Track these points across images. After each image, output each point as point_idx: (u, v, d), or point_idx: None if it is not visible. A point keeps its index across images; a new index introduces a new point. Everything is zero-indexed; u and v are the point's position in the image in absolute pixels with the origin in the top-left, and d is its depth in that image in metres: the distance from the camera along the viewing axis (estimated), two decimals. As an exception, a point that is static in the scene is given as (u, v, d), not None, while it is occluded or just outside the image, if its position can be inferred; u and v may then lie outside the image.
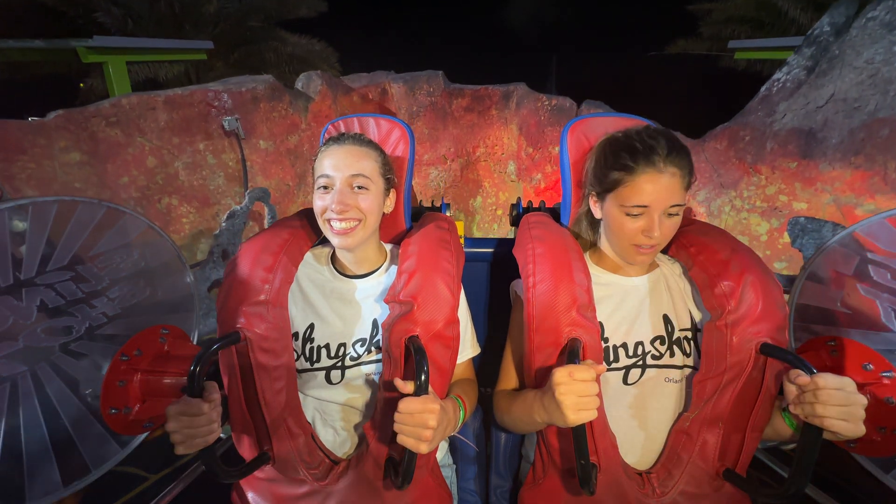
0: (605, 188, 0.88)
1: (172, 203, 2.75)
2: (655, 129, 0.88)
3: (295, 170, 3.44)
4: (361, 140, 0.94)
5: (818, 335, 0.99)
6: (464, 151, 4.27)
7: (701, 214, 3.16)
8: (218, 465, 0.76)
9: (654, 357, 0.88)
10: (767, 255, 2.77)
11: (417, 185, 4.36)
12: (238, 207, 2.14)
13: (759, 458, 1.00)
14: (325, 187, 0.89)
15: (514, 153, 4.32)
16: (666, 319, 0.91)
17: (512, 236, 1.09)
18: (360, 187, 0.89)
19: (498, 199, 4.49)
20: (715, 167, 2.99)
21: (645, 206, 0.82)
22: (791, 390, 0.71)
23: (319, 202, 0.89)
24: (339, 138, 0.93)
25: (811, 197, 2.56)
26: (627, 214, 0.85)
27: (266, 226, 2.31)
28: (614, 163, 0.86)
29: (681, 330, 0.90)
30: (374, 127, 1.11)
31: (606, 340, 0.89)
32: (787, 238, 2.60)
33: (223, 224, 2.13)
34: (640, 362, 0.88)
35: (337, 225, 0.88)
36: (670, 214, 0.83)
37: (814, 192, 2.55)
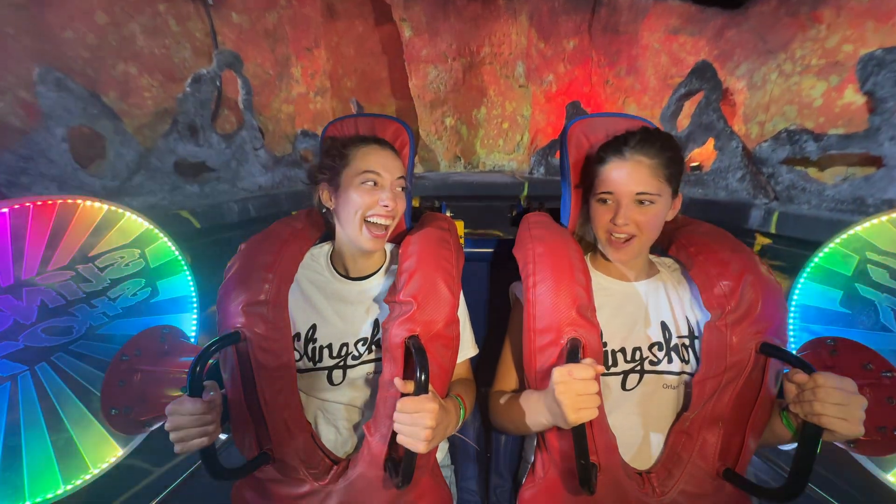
0: (588, 184, 0.93)
1: (130, 72, 2.29)
2: (643, 128, 0.91)
3: (275, 56, 2.92)
4: (393, 146, 0.99)
5: (818, 335, 0.99)
6: (466, 50, 3.75)
7: (740, 90, 2.82)
8: (218, 465, 0.76)
9: (651, 363, 0.88)
10: (821, 122, 2.42)
11: (415, 87, 3.81)
12: (204, 71, 1.84)
13: (759, 458, 1.00)
14: (375, 183, 0.91)
15: (523, 51, 3.78)
16: (664, 326, 0.90)
17: (512, 236, 1.09)
18: (402, 189, 0.95)
19: (504, 109, 3.99)
20: (760, 34, 2.63)
21: (609, 193, 0.86)
22: (791, 389, 0.71)
23: (365, 197, 0.90)
24: (379, 140, 0.97)
25: (886, 36, 2.17)
26: (597, 202, 0.89)
27: (240, 103, 2.02)
28: (595, 157, 0.92)
29: (679, 337, 0.90)
30: (375, 127, 1.11)
31: (605, 345, 0.88)
32: (847, 97, 2.29)
33: (187, 89, 1.84)
34: (639, 367, 0.88)
35: (381, 221, 0.91)
36: (640, 202, 0.85)
37: (891, 27, 2.16)
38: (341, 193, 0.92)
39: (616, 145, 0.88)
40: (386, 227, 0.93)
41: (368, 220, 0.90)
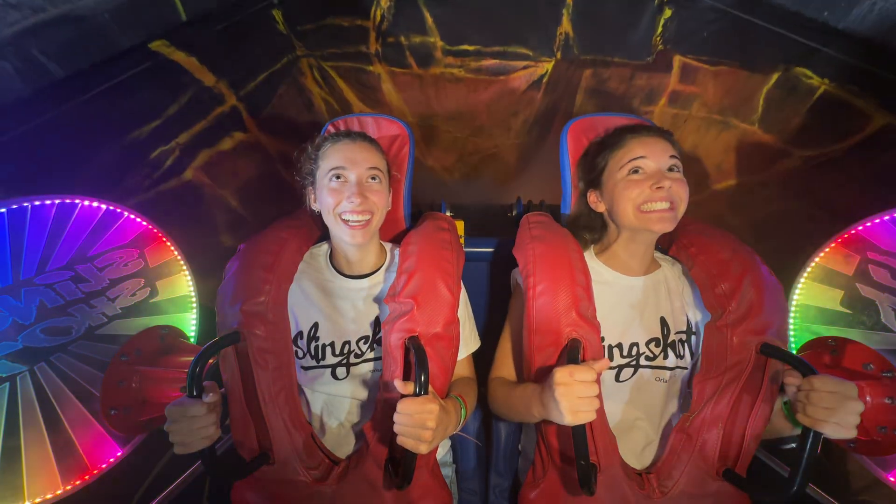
0: (599, 171, 0.93)
1: None
2: (643, 121, 0.98)
3: None
4: (369, 137, 0.97)
5: (818, 335, 0.99)
6: None
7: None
8: (218, 465, 0.76)
9: (647, 358, 0.89)
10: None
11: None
12: None
13: (759, 458, 1.00)
14: (340, 178, 0.89)
15: None
16: (663, 322, 0.91)
17: (512, 236, 1.08)
18: (373, 179, 0.91)
19: None
20: None
21: (642, 157, 0.86)
22: (793, 390, 0.72)
23: (333, 196, 0.89)
24: (350, 134, 0.94)
25: None
26: (630, 172, 0.87)
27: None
28: (602, 146, 0.93)
29: (676, 333, 0.90)
30: (374, 126, 1.10)
31: (602, 339, 0.88)
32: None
33: None
34: (634, 362, 0.88)
35: (353, 218, 0.88)
36: (671, 169, 0.86)
37: None
38: (318, 195, 0.93)
39: (631, 129, 0.91)
40: (364, 222, 0.89)
41: (342, 217, 0.89)
